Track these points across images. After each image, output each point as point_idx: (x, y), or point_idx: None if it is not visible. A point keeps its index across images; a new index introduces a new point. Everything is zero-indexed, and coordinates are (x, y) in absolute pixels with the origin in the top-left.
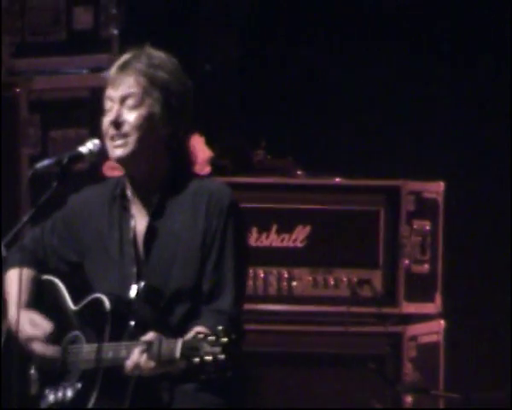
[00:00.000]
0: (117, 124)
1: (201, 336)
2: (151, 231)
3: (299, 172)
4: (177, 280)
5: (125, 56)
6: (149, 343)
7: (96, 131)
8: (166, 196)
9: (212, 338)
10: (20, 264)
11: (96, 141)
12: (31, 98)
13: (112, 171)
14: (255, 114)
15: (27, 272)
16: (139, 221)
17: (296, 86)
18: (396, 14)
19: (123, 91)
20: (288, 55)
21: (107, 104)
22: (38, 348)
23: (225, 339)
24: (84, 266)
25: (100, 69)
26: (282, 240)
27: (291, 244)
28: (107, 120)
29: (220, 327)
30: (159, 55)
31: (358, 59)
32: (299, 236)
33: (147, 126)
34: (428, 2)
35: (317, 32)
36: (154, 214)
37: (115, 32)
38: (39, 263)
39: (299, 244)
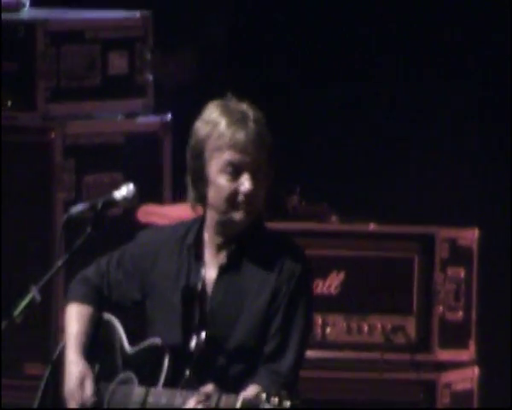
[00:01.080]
0: (247, 195)
1: (264, 396)
2: (219, 282)
3: (333, 218)
4: (239, 336)
5: (234, 115)
6: (208, 395)
7: (131, 177)
8: (240, 249)
9: (274, 400)
10: (83, 299)
11: (131, 186)
12: (65, 143)
13: (146, 216)
14: (290, 160)
15: (88, 311)
16: (209, 271)
17: (330, 132)
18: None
19: (252, 160)
20: (323, 104)
21: (229, 168)
22: (72, 406)
23: (288, 404)
24: (146, 306)
25: (135, 114)
26: (316, 286)
27: (325, 290)
28: (233, 186)
29: (284, 391)
30: (255, 111)
31: (396, 106)
32: (333, 282)
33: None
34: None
35: (350, 79)
36: (226, 266)
37: (150, 77)
38: (102, 298)
39: (333, 291)
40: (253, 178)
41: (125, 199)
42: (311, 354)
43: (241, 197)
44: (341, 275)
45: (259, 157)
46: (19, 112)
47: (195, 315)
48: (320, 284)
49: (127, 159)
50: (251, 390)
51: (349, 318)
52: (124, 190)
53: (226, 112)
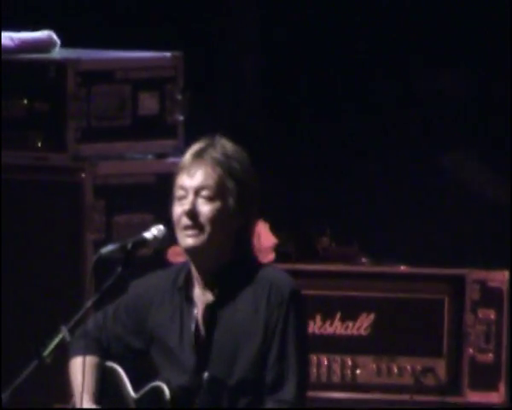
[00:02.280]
0: (192, 215)
1: None
2: (211, 321)
3: (363, 260)
4: (240, 371)
5: (200, 144)
6: None
7: (161, 217)
8: (228, 286)
9: None
10: (85, 352)
11: (161, 227)
12: (96, 183)
13: (176, 257)
14: (321, 201)
15: (92, 360)
16: (200, 310)
17: (361, 174)
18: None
19: (199, 182)
20: (354, 145)
21: (179, 192)
22: None
23: None
24: (150, 353)
25: (165, 155)
26: (346, 328)
27: (355, 332)
28: (180, 209)
29: None
30: (231, 145)
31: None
32: (363, 323)
33: (221, 219)
34: None
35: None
36: (216, 304)
37: (180, 117)
38: (102, 349)
39: (363, 332)
40: (198, 199)
41: (155, 240)
42: (341, 395)
43: (183, 220)
44: (371, 316)
45: (206, 179)
46: (49, 152)
47: (192, 356)
48: (350, 325)
49: (157, 200)
50: None
51: (379, 359)
52: (154, 231)
53: (192, 146)
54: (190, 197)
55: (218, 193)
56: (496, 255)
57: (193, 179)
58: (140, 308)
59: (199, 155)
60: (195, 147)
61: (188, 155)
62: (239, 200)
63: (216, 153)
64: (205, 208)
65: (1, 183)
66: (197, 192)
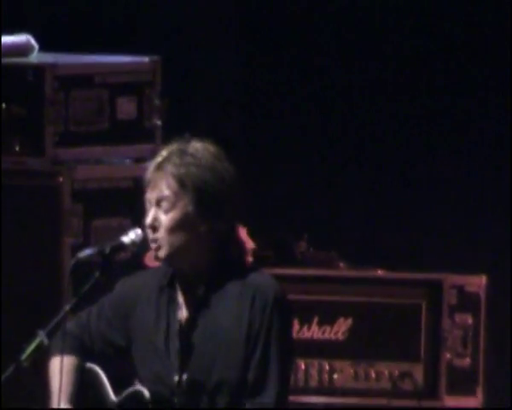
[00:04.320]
0: (153, 227)
1: None
2: (194, 322)
3: (341, 264)
4: (219, 373)
5: (160, 156)
6: None
7: (139, 222)
8: (212, 288)
9: None
10: (64, 351)
11: (138, 231)
12: (74, 188)
13: (154, 261)
14: (298, 207)
15: (71, 361)
16: (184, 311)
17: (337, 180)
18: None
19: (157, 195)
20: (330, 151)
21: (147, 205)
22: None
23: None
24: (131, 351)
25: (143, 159)
26: (324, 332)
27: (332, 336)
28: (145, 221)
29: None
30: (194, 148)
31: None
32: (340, 328)
33: (181, 227)
34: None
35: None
36: (199, 306)
37: (159, 122)
38: (84, 349)
39: (340, 336)
40: (159, 211)
41: (133, 244)
42: (318, 399)
43: (149, 232)
44: (349, 321)
45: (162, 191)
46: (27, 156)
47: (176, 357)
48: (327, 329)
49: (135, 204)
50: None
51: (356, 364)
52: (132, 235)
53: (156, 156)
54: (152, 210)
55: (174, 204)
56: (473, 260)
57: (153, 192)
58: (125, 306)
59: (158, 168)
60: (156, 159)
61: (150, 168)
62: (200, 206)
63: (171, 164)
64: (163, 219)
65: None
66: (157, 204)
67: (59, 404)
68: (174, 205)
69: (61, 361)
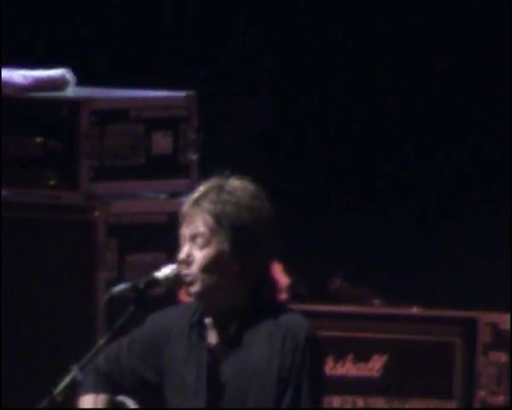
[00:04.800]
0: (187, 262)
1: None
2: (225, 361)
3: (375, 301)
4: None
5: (197, 192)
6: None
7: (173, 257)
8: (243, 327)
9: None
10: (95, 389)
11: (173, 266)
12: (108, 222)
13: (188, 297)
14: (333, 243)
15: (102, 398)
16: (215, 350)
17: (372, 217)
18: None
19: (192, 230)
20: (364, 188)
21: (181, 240)
22: None
23: None
24: (163, 388)
25: (178, 194)
26: (358, 369)
27: (367, 373)
28: (179, 256)
29: None
30: (232, 186)
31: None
32: (375, 365)
33: (214, 265)
34: None
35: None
36: (230, 345)
37: (194, 157)
38: (114, 385)
39: (374, 373)
40: (193, 247)
41: (166, 279)
42: None
43: (182, 267)
44: (384, 358)
45: (197, 228)
46: (62, 190)
47: (205, 395)
48: (362, 366)
49: (170, 239)
50: None
51: (390, 401)
52: (166, 271)
53: (193, 193)
54: (186, 245)
55: (209, 241)
56: (507, 298)
57: (188, 227)
58: (156, 342)
59: (195, 203)
60: (193, 195)
61: (186, 203)
62: (235, 244)
63: (207, 201)
64: (197, 255)
65: (14, 221)
66: (192, 240)
67: None
68: (209, 242)
69: (96, 401)
